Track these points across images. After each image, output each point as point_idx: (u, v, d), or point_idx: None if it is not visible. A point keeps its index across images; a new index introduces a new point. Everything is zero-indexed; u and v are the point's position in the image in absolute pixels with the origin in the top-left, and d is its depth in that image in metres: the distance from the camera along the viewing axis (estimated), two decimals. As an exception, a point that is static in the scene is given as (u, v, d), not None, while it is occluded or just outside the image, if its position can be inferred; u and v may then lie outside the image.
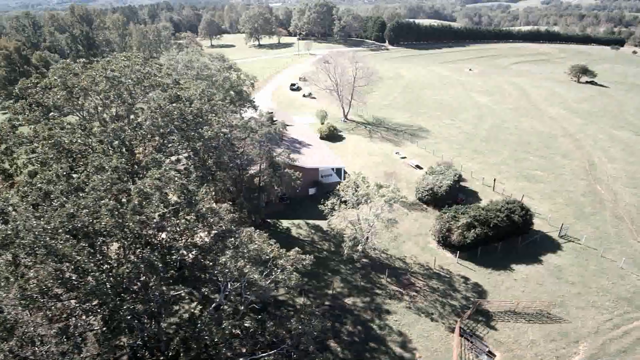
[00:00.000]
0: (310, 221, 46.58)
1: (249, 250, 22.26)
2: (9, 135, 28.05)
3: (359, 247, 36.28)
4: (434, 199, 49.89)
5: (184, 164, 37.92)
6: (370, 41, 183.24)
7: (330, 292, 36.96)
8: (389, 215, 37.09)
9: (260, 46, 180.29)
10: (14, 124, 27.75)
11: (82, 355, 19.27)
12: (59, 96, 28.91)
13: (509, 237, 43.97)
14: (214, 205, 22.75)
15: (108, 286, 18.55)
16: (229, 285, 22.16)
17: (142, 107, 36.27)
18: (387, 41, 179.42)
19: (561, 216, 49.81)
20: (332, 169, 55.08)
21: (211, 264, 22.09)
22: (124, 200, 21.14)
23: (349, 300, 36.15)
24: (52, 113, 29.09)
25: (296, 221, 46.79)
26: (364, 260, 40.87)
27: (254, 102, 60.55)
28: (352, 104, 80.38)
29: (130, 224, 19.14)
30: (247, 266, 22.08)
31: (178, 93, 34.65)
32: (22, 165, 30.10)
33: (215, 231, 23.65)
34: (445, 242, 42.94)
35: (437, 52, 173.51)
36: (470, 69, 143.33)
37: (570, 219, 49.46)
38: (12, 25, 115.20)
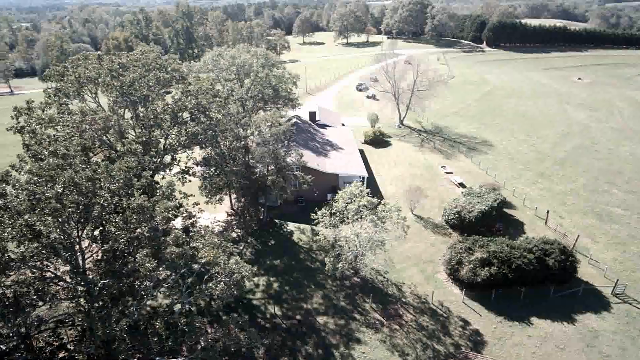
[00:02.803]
0: (317, 228, 44.68)
1: (166, 253, 21.90)
2: (30, 115, 31.95)
3: (339, 265, 33.53)
4: (462, 225, 43.85)
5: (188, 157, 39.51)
6: (465, 42, 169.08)
7: (306, 306, 35.01)
8: (378, 236, 33.50)
9: (348, 44, 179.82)
10: (30, 106, 31.58)
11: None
12: (70, 84, 32.21)
13: (541, 284, 36.60)
14: (146, 203, 22.80)
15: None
16: (145, 284, 22.13)
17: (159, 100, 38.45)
18: (484, 42, 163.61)
19: (627, 269, 39.77)
20: (360, 177, 52.05)
21: (132, 259, 22.32)
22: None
23: (321, 319, 33.75)
24: (64, 99, 32.51)
25: (302, 225, 45.38)
26: (355, 279, 37.82)
27: (295, 100, 60.34)
28: (414, 109, 75.09)
29: (46, 209, 20.31)
30: (161, 268, 21.77)
31: (188, 88, 36.02)
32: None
33: (145, 229, 23.74)
34: (455, 275, 37.46)
35: (543, 56, 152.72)
36: (579, 78, 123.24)
37: (639, 274, 39.17)
38: (128, 19, 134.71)
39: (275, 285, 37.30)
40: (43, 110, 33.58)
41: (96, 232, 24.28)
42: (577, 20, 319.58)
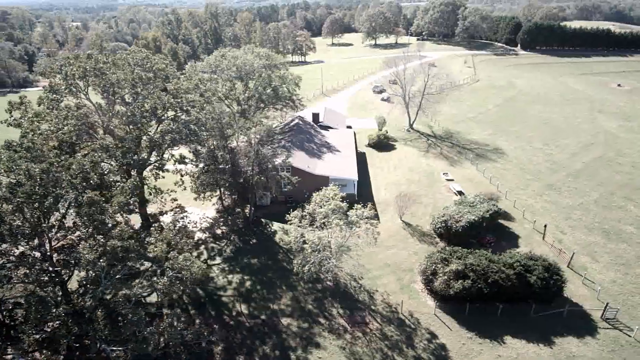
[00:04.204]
0: (287, 227, 44.68)
1: (108, 245, 22.79)
2: (22, 109, 34.19)
3: (306, 268, 33.35)
4: (448, 234, 42.29)
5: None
6: (499, 44, 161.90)
7: (273, 306, 35.13)
8: (349, 242, 33.05)
9: (375, 45, 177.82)
10: (22, 102, 33.82)
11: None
12: (59, 82, 34.23)
13: (523, 301, 34.65)
14: (96, 197, 23.84)
15: None
16: (89, 274, 23.16)
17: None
18: (519, 45, 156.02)
19: (625, 292, 36.81)
20: (353, 181, 51.51)
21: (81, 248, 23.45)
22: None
23: (285, 321, 33.75)
24: (54, 95, 34.57)
25: (287, 226, 45.24)
26: (328, 282, 37.48)
27: (296, 101, 60.65)
28: (427, 113, 73.18)
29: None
30: (102, 260, 22.70)
31: (169, 88, 37.27)
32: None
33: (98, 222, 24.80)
34: (430, 286, 36.22)
35: (582, 60, 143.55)
36: (618, 85, 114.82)
37: (638, 299, 36.10)
38: (161, 20, 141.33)
39: (248, 283, 37.70)
40: (39, 105, 35.95)
41: (61, 222, 25.73)
42: (633, 23, 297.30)
